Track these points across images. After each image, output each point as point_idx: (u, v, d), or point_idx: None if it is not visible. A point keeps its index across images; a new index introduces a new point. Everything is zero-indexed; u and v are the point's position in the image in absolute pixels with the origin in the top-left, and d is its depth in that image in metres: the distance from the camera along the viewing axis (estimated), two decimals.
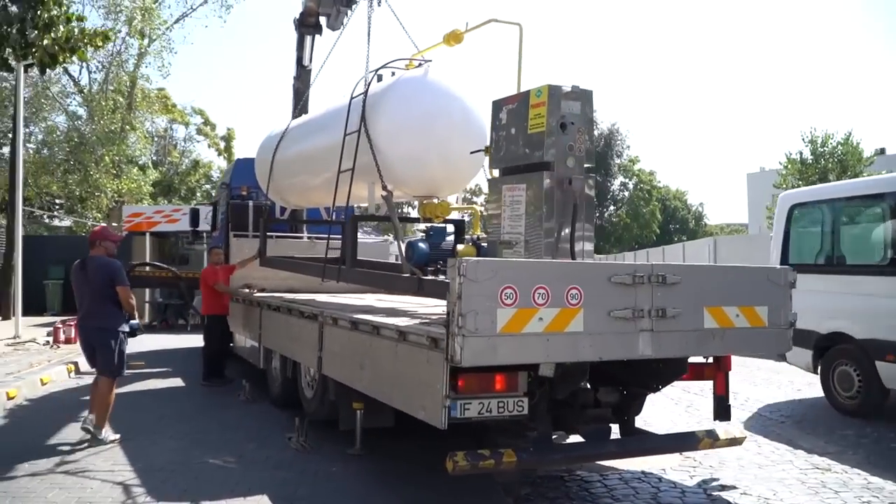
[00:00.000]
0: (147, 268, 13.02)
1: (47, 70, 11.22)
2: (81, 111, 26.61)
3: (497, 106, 5.67)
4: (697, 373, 5.56)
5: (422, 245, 6.82)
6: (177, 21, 27.88)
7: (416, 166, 6.94)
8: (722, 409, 5.59)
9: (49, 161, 25.69)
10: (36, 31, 9.82)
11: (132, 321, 6.97)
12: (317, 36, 11.68)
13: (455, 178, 7.47)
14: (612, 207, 54.24)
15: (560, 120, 5.11)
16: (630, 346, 4.70)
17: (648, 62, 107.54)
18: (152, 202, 29.02)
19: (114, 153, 24.48)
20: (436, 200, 7.35)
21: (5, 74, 19.31)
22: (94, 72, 26.55)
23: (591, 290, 4.56)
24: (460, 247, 6.57)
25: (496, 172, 5.72)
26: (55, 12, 10.04)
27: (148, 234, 19.31)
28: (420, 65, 7.29)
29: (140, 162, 29.69)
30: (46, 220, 29.99)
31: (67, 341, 13.55)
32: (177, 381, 10.28)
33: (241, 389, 8.90)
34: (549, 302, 4.42)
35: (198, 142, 39.85)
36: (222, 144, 39.59)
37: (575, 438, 5.80)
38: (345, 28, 11.03)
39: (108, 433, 6.56)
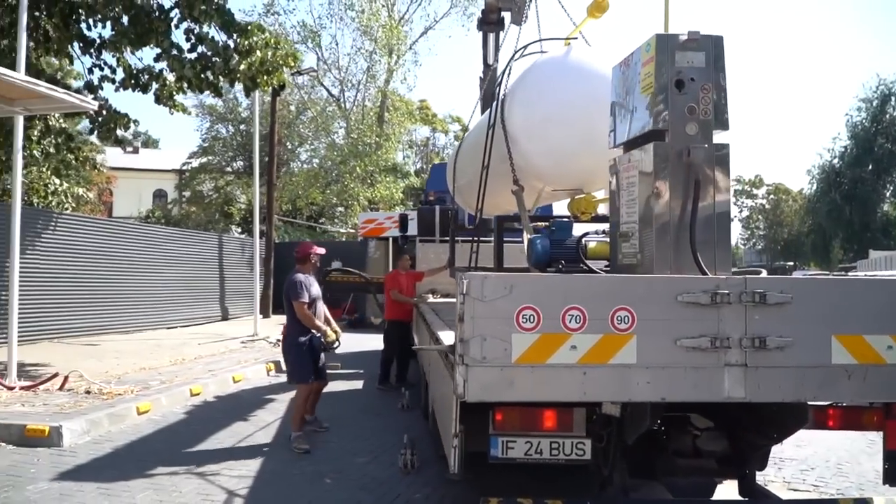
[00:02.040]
0: (339, 274, 13.65)
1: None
2: (340, 129, 29.10)
3: (615, 72, 4.84)
4: (850, 419, 4.15)
5: (541, 242, 6.06)
6: (422, 35, 29.25)
7: (559, 158, 6.23)
8: (893, 471, 4.12)
9: (315, 174, 28.48)
10: (237, 57, 10.76)
11: (318, 334, 6.91)
12: (501, 33, 11.27)
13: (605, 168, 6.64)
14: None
15: (675, 76, 4.11)
16: (710, 386, 3.60)
17: None
18: (404, 208, 30.82)
19: (365, 164, 26.36)
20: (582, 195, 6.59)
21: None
22: (348, 90, 28.85)
23: (648, 311, 3.58)
24: (592, 243, 5.72)
25: (619, 152, 4.86)
26: (255, 39, 10.91)
27: (390, 239, 20.37)
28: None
29: (405, 170, 31.76)
30: (317, 228, 33.32)
31: None
32: (357, 384, 10.54)
33: (402, 397, 8.82)
34: (585, 326, 3.55)
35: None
36: None
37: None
38: (526, 21, 10.52)
39: (296, 440, 6.69)
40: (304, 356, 6.85)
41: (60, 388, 8.27)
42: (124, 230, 16.15)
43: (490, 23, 10.94)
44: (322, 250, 7.28)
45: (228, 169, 35.80)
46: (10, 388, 8.15)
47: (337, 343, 7.10)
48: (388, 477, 5.80)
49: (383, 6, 27.39)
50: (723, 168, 4.16)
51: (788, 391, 3.64)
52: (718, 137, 4.28)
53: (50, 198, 14.03)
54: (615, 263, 4.69)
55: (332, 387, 10.30)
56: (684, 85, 4.10)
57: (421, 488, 5.51)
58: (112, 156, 55.29)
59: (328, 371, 11.42)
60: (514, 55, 6.97)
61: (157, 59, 10.81)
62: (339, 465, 6.16)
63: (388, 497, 5.32)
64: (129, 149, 57.80)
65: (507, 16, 10.94)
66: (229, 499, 5.26)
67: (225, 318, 19.56)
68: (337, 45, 39.90)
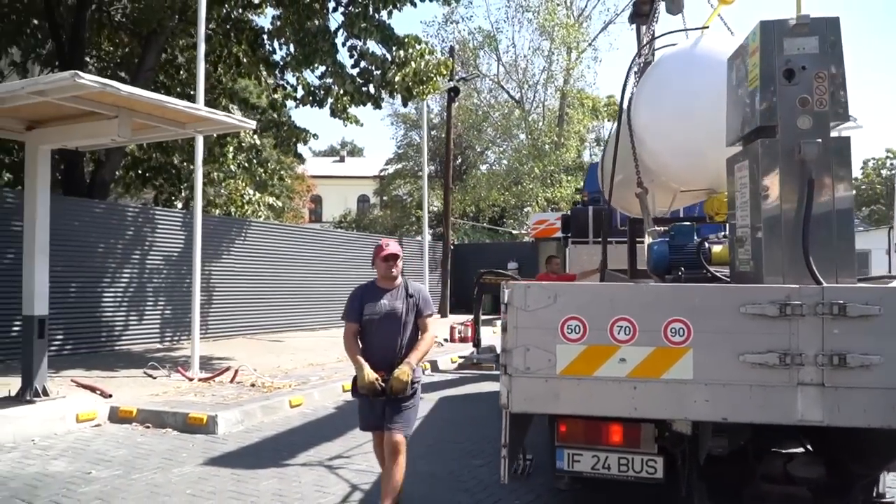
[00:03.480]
0: (492, 276, 13.68)
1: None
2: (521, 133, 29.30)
3: (729, 64, 4.57)
4: None
5: (658, 247, 5.77)
6: (602, 30, 28.60)
7: (686, 156, 5.97)
8: None
9: (497, 176, 28.92)
10: (394, 69, 11.31)
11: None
12: (656, 24, 10.80)
13: None
14: None
15: (785, 65, 3.80)
16: (781, 406, 3.26)
17: None
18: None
19: (544, 165, 26.32)
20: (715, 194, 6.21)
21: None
22: (526, 90, 28.94)
23: (707, 323, 3.33)
24: (717, 248, 5.38)
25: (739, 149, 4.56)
26: (411, 51, 11.40)
27: (561, 240, 20.23)
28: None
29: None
30: (499, 230, 33.76)
31: (462, 340, 15.10)
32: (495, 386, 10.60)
33: None
34: (635, 338, 3.38)
35: None
36: None
37: None
38: (683, 9, 10.03)
39: None
40: (360, 397, 4.69)
41: (231, 381, 9.21)
42: (307, 235, 17.48)
43: (643, 14, 10.50)
44: (395, 249, 4.76)
45: (420, 173, 37.48)
46: (190, 380, 9.23)
47: (380, 390, 4.50)
48: (494, 481, 5.82)
49: (559, 5, 27.20)
50: (842, 163, 3.72)
51: (876, 415, 3.19)
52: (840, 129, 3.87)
53: (246, 207, 15.63)
54: (732, 270, 4.38)
55: (484, 387, 10.50)
56: (795, 74, 3.74)
57: (523, 495, 5.47)
58: (322, 165, 60.33)
59: (483, 369, 11.70)
60: (639, 50, 6.70)
61: (321, 77, 11.66)
62: (454, 465, 6.29)
63: (487, 501, 5.35)
64: (336, 158, 62.64)
65: (661, 6, 10.49)
66: (341, 490, 5.58)
67: None
68: (514, 46, 40.09)
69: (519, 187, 27.66)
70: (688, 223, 5.95)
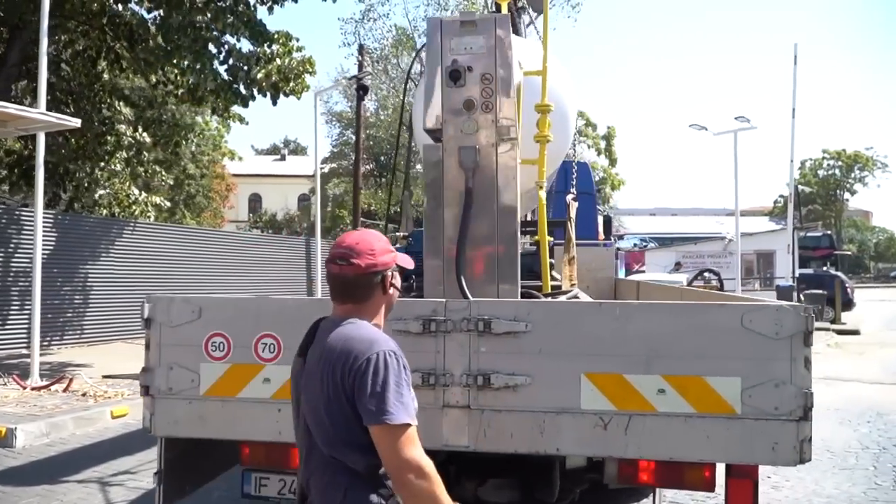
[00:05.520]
0: None
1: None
2: None
3: (421, 58, 4.41)
4: (670, 476, 3.33)
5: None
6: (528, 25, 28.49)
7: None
8: None
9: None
10: (258, 66, 10.95)
11: None
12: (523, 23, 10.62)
13: None
14: None
15: (450, 66, 3.57)
16: (427, 430, 2.99)
17: None
18: None
19: None
20: None
21: None
22: None
23: None
24: None
25: None
26: (277, 48, 11.04)
27: None
28: None
29: None
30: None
31: None
32: None
33: None
34: (280, 356, 3.11)
35: (581, 142, 40.21)
36: (603, 144, 39.27)
37: None
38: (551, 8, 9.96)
39: None
40: None
41: (65, 390, 8.77)
42: (195, 236, 16.75)
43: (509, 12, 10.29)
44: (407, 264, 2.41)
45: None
46: (24, 388, 8.76)
47: None
48: None
49: (474, 4, 27.03)
50: (507, 168, 3.54)
51: (522, 440, 2.98)
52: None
53: (133, 207, 15.10)
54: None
55: None
56: (461, 76, 3.52)
57: None
58: (262, 164, 59.41)
59: None
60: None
61: (183, 74, 11.23)
62: None
63: None
64: (277, 156, 61.78)
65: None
66: None
67: None
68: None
69: None
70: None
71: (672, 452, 2.95)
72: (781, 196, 54.36)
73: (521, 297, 3.98)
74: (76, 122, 7.93)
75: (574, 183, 9.33)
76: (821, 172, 64.79)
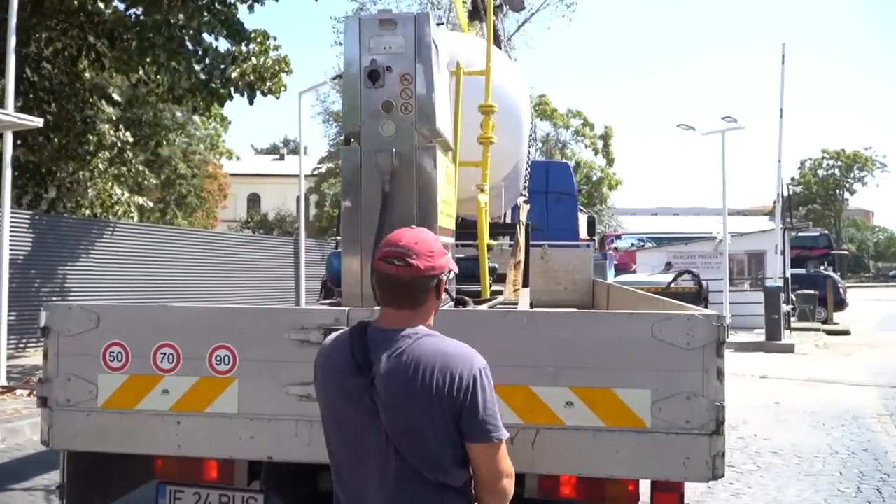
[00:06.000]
0: None
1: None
2: None
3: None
4: (592, 490, 3.20)
5: (334, 260, 5.00)
6: (517, 30, 28.44)
7: None
8: None
9: None
10: (234, 65, 10.84)
11: None
12: (499, 22, 10.48)
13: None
14: None
15: (369, 66, 3.44)
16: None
17: None
18: None
19: None
20: None
21: None
22: None
23: (253, 351, 2.96)
24: None
25: None
26: (254, 46, 10.94)
27: None
28: None
29: None
30: None
31: None
32: None
33: None
34: (178, 367, 3.00)
35: (578, 142, 40.11)
36: (600, 144, 39.14)
37: None
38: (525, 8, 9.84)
39: None
40: None
41: (29, 395, 8.66)
42: (180, 237, 16.66)
43: (483, 12, 10.15)
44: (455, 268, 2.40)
45: None
46: None
47: None
48: None
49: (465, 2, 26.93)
50: (426, 172, 3.42)
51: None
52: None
53: (116, 207, 15.01)
54: None
55: None
56: (379, 76, 3.40)
57: None
58: (261, 163, 59.31)
59: None
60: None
61: (156, 73, 11.12)
62: None
63: None
64: (276, 156, 61.69)
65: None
66: None
67: None
68: None
69: None
70: None
71: (581, 468, 2.84)
72: (791, 195, 54.18)
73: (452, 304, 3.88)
74: (38, 122, 7.84)
75: (526, 183, 9.13)
76: (820, 172, 64.53)
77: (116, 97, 13.49)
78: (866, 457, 7.03)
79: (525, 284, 5.85)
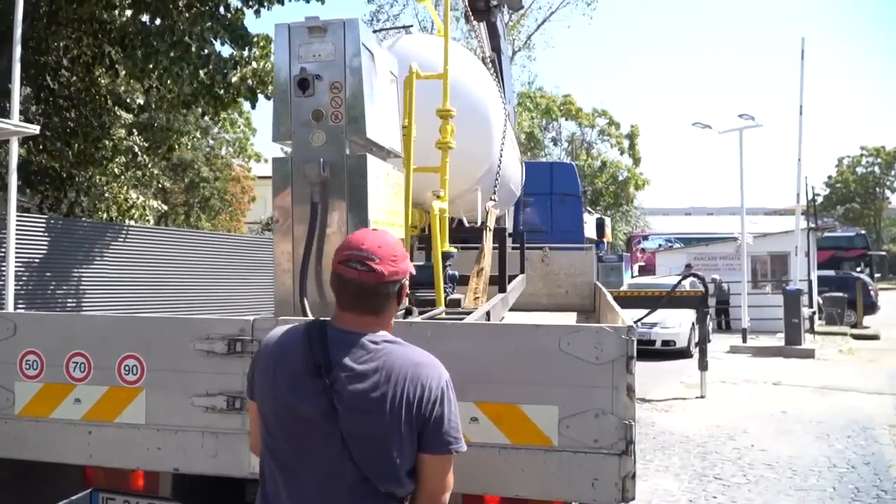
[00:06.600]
0: None
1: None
2: None
3: None
4: None
5: None
6: (536, 29, 28.24)
7: None
8: None
9: None
10: (235, 71, 10.91)
11: None
12: (499, 20, 10.30)
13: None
14: None
15: (298, 75, 3.39)
16: (231, 456, 2.87)
17: None
18: None
19: None
20: None
21: None
22: None
23: (160, 360, 2.93)
24: None
25: None
26: (255, 51, 10.99)
27: None
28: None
29: None
30: None
31: None
32: None
33: None
34: (90, 376, 2.99)
35: (604, 141, 39.68)
36: (626, 143, 38.66)
37: None
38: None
39: None
40: None
41: None
42: (195, 239, 16.72)
43: (480, 11, 10.04)
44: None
45: None
46: None
47: None
48: None
49: None
50: (357, 181, 3.35)
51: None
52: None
53: (132, 211, 15.21)
54: None
55: None
56: (309, 84, 3.35)
57: None
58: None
59: None
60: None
61: (159, 79, 11.23)
62: None
63: None
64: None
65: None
66: None
67: None
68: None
69: None
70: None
71: (486, 487, 2.74)
72: (816, 194, 53.01)
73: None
74: (35, 129, 7.98)
75: (520, 185, 9.00)
76: (859, 170, 62.89)
77: (140, 102, 13.65)
78: (866, 471, 6.76)
79: (502, 290, 5.76)
